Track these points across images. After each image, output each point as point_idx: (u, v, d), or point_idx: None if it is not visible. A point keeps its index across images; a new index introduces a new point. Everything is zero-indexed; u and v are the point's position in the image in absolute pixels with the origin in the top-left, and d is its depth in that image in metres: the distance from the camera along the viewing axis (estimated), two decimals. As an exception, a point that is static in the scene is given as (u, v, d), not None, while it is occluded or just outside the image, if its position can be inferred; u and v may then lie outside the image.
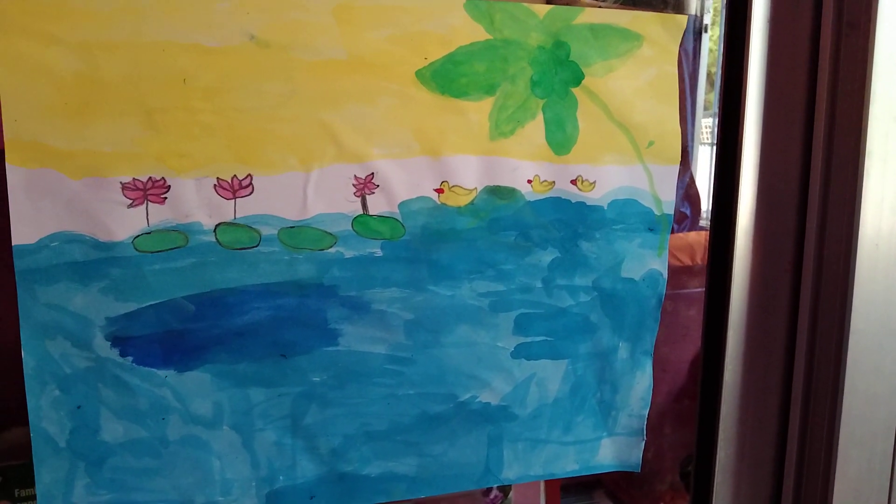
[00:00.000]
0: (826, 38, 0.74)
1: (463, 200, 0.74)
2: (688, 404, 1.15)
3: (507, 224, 0.76)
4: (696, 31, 1.63)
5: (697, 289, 1.13)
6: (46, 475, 0.67)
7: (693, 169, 1.58)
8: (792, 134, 0.77)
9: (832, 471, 0.77)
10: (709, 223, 0.82)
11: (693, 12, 1.51)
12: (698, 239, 1.14)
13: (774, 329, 0.81)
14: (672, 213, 0.82)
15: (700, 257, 1.13)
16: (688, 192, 1.32)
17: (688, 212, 1.31)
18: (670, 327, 1.06)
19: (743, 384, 0.82)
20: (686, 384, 1.16)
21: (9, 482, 0.82)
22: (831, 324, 0.77)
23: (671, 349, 1.12)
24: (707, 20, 1.68)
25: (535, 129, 0.75)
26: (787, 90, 0.76)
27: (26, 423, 0.66)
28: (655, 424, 0.89)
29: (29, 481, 0.70)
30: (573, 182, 0.78)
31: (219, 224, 0.68)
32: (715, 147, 0.82)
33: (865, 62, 0.72)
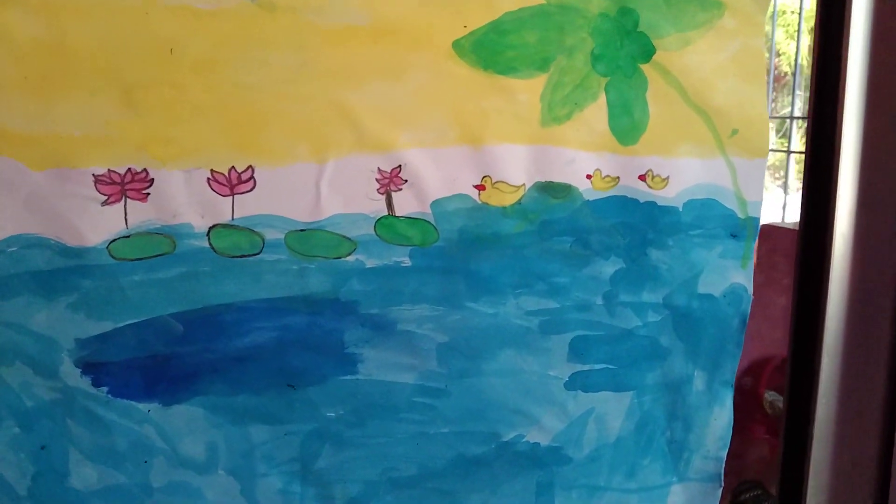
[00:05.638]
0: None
1: (508, 199, 0.68)
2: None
3: (562, 228, 0.70)
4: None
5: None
6: (5, 529, 0.64)
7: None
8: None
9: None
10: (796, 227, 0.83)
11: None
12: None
13: (875, 355, 0.77)
14: (759, 216, 0.75)
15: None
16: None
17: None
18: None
19: (837, 420, 0.78)
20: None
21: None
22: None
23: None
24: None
25: (596, 113, 0.69)
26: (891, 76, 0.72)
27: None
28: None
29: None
30: (642, 178, 0.71)
31: (213, 226, 0.63)
32: (804, 140, 0.79)
33: None
